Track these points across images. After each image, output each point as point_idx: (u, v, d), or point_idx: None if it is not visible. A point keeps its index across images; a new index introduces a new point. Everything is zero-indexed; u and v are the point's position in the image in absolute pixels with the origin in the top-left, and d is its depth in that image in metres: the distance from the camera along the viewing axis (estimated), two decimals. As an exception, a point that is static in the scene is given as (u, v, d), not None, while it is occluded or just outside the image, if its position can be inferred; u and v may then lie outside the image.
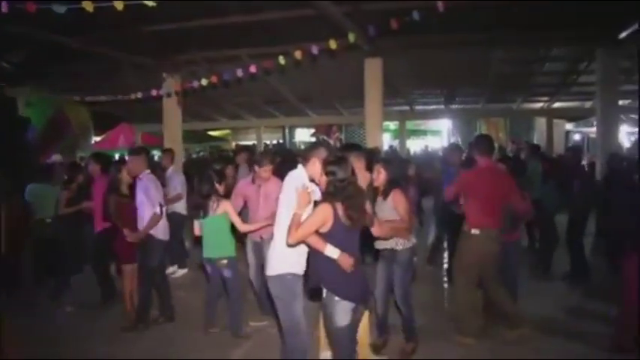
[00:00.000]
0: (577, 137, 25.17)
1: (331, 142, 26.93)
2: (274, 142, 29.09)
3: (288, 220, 4.12)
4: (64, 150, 16.30)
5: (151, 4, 5.73)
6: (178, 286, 8.18)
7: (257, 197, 6.37)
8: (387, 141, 24.13)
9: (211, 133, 27.55)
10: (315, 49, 8.66)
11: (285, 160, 8.23)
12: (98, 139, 22.65)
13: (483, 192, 5.68)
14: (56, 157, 7.91)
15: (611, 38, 10.40)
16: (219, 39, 11.78)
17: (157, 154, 17.09)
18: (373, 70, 11.49)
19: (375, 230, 4.69)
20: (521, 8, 9.59)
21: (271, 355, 5.25)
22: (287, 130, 29.61)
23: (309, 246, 4.14)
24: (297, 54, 8.76)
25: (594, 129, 15.19)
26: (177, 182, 9.01)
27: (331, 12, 8.31)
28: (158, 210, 6.27)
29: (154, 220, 6.22)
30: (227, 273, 6.03)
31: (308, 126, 28.60)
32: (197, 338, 6.14)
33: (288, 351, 4.43)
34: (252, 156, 9.69)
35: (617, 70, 11.33)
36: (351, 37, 8.60)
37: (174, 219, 8.73)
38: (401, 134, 23.02)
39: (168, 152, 9.68)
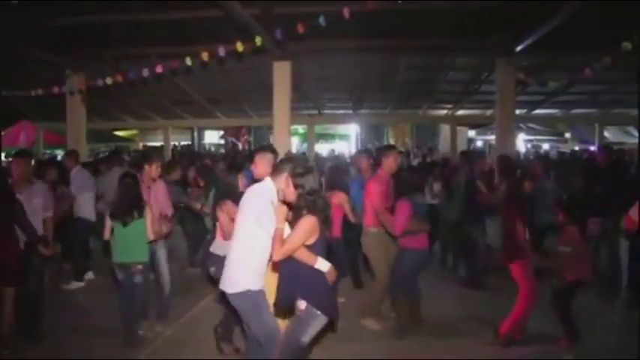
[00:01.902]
0: (479, 143, 26.31)
1: (239, 144, 26.90)
2: (183, 143, 28.70)
3: (255, 234, 4.15)
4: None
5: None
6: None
7: (148, 198, 6.29)
8: (295, 144, 24.32)
9: (118, 133, 26.84)
10: (222, 51, 8.65)
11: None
12: (-4, 136, 21.65)
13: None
14: None
15: (509, 51, 10.91)
16: (127, 37, 11.53)
17: (60, 153, 16.47)
18: (281, 73, 11.56)
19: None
20: (427, 16, 9.96)
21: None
22: (196, 132, 29.27)
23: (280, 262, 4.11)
24: (204, 55, 8.70)
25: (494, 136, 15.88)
26: (82, 181, 8.66)
27: (239, 14, 8.32)
28: None
29: None
30: (138, 279, 5.93)
31: (217, 128, 28.40)
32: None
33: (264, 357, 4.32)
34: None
35: (514, 81, 11.89)
36: (258, 41, 8.63)
37: (80, 225, 8.52)
38: (309, 138, 23.22)
39: (71, 155, 9.26)
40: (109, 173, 9.29)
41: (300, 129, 26.16)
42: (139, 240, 5.89)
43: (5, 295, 5.68)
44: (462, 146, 22.73)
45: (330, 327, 4.79)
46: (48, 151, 21.90)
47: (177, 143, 27.29)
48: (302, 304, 4.09)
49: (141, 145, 27.53)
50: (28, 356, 5.76)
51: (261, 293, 4.30)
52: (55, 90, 10.83)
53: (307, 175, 4.29)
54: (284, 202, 4.25)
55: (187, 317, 6.91)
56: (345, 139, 29.58)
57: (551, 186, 9.38)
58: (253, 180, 4.98)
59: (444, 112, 20.84)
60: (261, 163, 4.97)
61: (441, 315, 6.85)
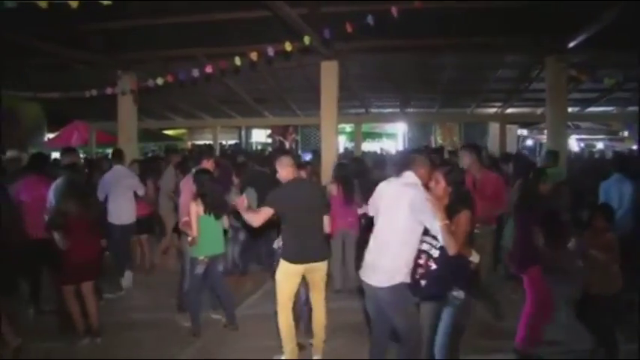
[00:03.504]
0: (529, 142, 25.81)
1: (287, 143, 27.01)
2: (231, 142, 28.96)
3: (410, 228, 4.31)
4: (14, 146, 15.95)
5: (106, 3, 5.69)
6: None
7: None
8: (342, 143, 24.30)
9: (167, 132, 27.27)
10: (271, 51, 8.70)
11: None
12: (52, 136, 22.29)
13: None
14: (12, 154, 7.79)
15: (560, 47, 10.67)
16: (175, 38, 11.70)
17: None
18: (329, 72, 11.57)
19: (328, 227, 5.42)
20: (474, 14, 9.81)
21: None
22: (243, 131, 29.51)
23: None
24: (253, 55, 8.76)
25: (545, 135, 15.53)
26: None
27: (287, 14, 8.35)
28: None
29: None
30: (221, 267, 6.59)
31: (264, 127, 28.56)
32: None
33: (406, 353, 4.48)
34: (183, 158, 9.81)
35: (566, 79, 11.62)
36: (307, 40, 8.65)
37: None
38: (356, 137, 23.17)
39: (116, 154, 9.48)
40: (166, 171, 9.54)
41: (348, 128, 26.12)
42: (221, 232, 6.51)
43: (86, 288, 6.07)
44: (511, 145, 22.35)
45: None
46: (100, 150, 22.41)
47: (224, 142, 27.54)
48: (460, 294, 4.40)
49: (189, 143, 27.88)
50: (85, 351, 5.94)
51: (406, 286, 4.42)
52: (108, 91, 11.09)
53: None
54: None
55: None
56: (392, 138, 29.40)
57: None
58: None
59: (493, 110, 20.50)
60: (281, 167, 5.43)
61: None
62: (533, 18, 9.79)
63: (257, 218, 5.29)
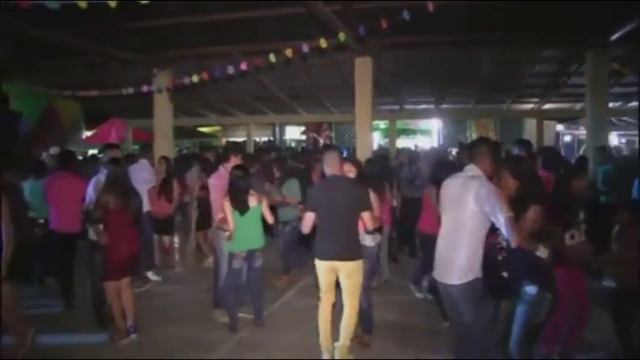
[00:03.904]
0: (567, 138, 25.33)
1: (321, 140, 27.00)
2: (264, 139, 29.07)
3: (482, 223, 4.26)
4: (55, 144, 16.23)
5: (144, 2, 5.75)
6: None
7: None
8: (377, 140, 24.21)
9: (201, 129, 27.49)
10: (305, 48, 8.68)
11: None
12: (89, 133, 22.63)
13: None
14: (54, 151, 7.97)
15: (601, 40, 10.44)
16: (210, 35, 11.77)
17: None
18: (363, 69, 11.50)
19: (371, 223, 5.30)
20: (511, 8, 9.65)
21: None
22: (277, 128, 29.59)
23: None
24: (288, 52, 8.76)
25: (584, 131, 15.23)
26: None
27: (321, 11, 8.31)
28: None
29: None
30: (260, 262, 6.54)
31: (298, 124, 28.60)
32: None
33: (475, 351, 4.43)
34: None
35: (607, 73, 11.37)
36: (341, 37, 8.62)
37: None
38: (391, 133, 23.06)
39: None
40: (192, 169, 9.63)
41: (382, 124, 26.01)
42: (259, 227, 6.50)
43: (124, 283, 6.08)
44: (548, 141, 21.97)
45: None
46: (136, 147, 22.70)
47: (258, 139, 27.65)
48: (532, 289, 4.45)
49: (224, 140, 28.07)
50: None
51: (480, 282, 4.36)
52: (144, 89, 11.23)
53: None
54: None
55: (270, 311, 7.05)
56: (427, 135, 29.21)
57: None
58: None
59: (530, 106, 20.19)
60: (327, 163, 5.46)
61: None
62: (573, 11, 9.58)
63: (305, 226, 5.48)
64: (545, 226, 4.61)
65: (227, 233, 6.33)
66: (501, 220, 4.07)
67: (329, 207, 5.28)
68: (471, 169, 4.45)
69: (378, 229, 5.91)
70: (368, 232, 5.64)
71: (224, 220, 6.33)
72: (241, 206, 6.29)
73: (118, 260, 5.94)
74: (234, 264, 6.38)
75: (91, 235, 6.51)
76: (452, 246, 4.39)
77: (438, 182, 7.00)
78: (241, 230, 6.28)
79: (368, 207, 5.28)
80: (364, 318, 5.84)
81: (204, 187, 8.69)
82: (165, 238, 9.45)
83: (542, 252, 4.25)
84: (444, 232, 4.54)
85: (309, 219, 5.40)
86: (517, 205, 4.27)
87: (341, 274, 5.34)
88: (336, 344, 5.44)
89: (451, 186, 4.55)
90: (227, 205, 6.25)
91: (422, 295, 7.38)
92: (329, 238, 5.30)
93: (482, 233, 4.30)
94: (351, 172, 5.67)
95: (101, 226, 6.11)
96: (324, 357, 5.44)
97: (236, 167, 6.52)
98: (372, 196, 5.54)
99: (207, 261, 9.47)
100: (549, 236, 4.57)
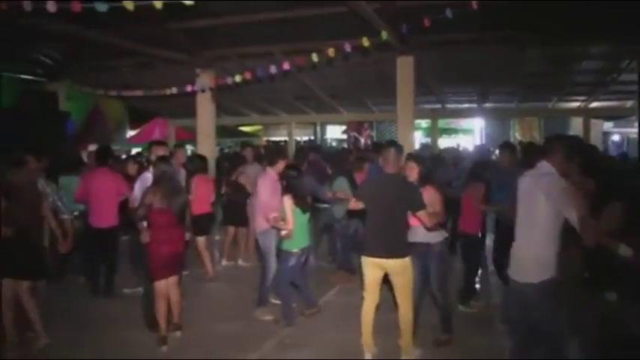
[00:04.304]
0: (616, 137, 24.73)
1: (362, 139, 26.94)
2: (305, 138, 29.13)
3: (556, 219, 4.13)
4: (99, 143, 16.57)
5: (188, 3, 5.83)
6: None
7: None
8: (418, 139, 24.02)
9: (243, 128, 27.70)
10: (347, 47, 8.68)
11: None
12: (133, 132, 23.02)
13: None
14: (92, 148, 8.05)
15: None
16: (252, 35, 11.88)
17: (190, 148, 17.19)
18: (405, 67, 11.45)
19: (427, 222, 5.28)
20: (557, 4, 9.46)
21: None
22: (318, 127, 29.63)
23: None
24: (330, 51, 8.77)
25: (635, 129, 14.82)
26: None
27: (363, 9, 8.29)
28: None
29: None
30: (311, 259, 6.86)
31: (339, 123, 28.57)
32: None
33: (548, 352, 4.32)
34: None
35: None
36: (384, 35, 8.60)
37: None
38: (433, 132, 22.86)
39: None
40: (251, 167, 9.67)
41: (424, 123, 25.79)
42: (308, 225, 6.71)
43: (171, 281, 6.09)
44: (596, 140, 21.48)
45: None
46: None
47: (299, 138, 27.72)
48: (612, 295, 4.44)
49: (264, 140, 28.23)
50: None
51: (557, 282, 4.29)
52: (188, 88, 11.38)
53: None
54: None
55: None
56: (469, 134, 28.88)
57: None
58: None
59: (576, 104, 19.77)
60: (383, 160, 5.50)
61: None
62: (624, 7, 9.32)
63: (351, 205, 5.81)
64: (630, 223, 4.43)
65: (284, 232, 6.37)
66: (574, 218, 3.96)
67: (378, 204, 5.32)
68: (544, 166, 4.33)
69: (442, 225, 5.83)
70: (429, 230, 5.56)
71: (278, 219, 6.36)
72: (304, 205, 6.44)
73: (160, 259, 5.90)
74: (290, 261, 6.45)
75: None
76: (526, 244, 4.32)
77: (478, 180, 6.98)
78: (299, 229, 6.39)
79: (421, 206, 5.24)
80: (441, 317, 5.89)
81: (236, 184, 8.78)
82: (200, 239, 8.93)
83: (625, 250, 4.04)
84: (518, 230, 4.45)
85: (355, 204, 5.61)
86: (596, 202, 4.15)
87: (389, 272, 5.35)
88: (400, 342, 5.45)
89: (524, 183, 4.46)
90: (288, 204, 6.31)
91: (472, 309, 7.17)
92: (376, 235, 5.32)
93: (555, 231, 4.19)
94: (414, 170, 5.65)
95: (145, 224, 6.21)
96: (366, 357, 5.44)
97: (290, 167, 6.64)
98: (432, 193, 5.58)
99: (242, 259, 9.67)
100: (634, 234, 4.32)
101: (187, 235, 6.50)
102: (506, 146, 7.88)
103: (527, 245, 4.30)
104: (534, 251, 4.23)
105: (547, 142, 4.59)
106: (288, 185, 6.42)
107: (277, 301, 6.91)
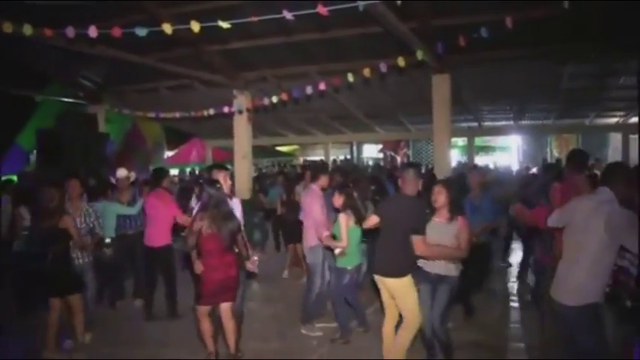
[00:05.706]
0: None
1: (398, 158, 26.89)
2: (342, 157, 29.20)
3: (603, 247, 4.03)
4: (138, 165, 16.86)
5: (225, 25, 5.95)
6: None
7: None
8: (455, 157, 23.90)
9: (279, 148, 27.90)
10: (383, 67, 8.71)
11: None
12: (171, 153, 23.35)
13: None
14: (121, 173, 8.07)
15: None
16: (288, 56, 12.03)
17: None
18: (441, 86, 11.44)
19: (421, 249, 5.07)
20: (593, 20, 9.38)
21: None
22: (355, 146, 29.68)
23: None
24: (366, 71, 8.82)
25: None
26: None
27: (399, 29, 8.35)
28: None
29: None
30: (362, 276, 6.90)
31: (375, 142, 28.59)
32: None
33: None
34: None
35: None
36: (419, 55, 8.61)
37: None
38: (469, 150, 22.73)
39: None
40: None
41: (460, 141, 25.69)
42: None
43: (224, 310, 5.87)
44: (635, 157, 21.07)
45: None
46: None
47: (336, 157, 27.80)
48: None
49: (301, 159, 28.37)
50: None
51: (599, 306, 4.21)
52: (225, 109, 11.56)
53: None
54: None
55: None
56: (506, 151, 28.63)
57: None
58: None
59: (615, 120, 19.48)
60: (410, 182, 5.39)
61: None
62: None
63: (366, 224, 5.78)
64: None
65: (338, 250, 6.37)
66: (636, 250, 3.86)
67: (388, 222, 5.35)
68: (604, 192, 4.18)
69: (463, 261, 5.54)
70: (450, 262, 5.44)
71: (329, 238, 6.42)
72: (362, 222, 6.29)
73: (210, 287, 5.73)
74: (345, 279, 6.45)
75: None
76: (571, 266, 4.22)
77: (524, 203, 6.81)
78: (353, 246, 6.40)
79: (418, 230, 5.11)
80: (441, 349, 5.57)
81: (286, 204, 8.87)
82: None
83: None
84: (565, 252, 4.35)
85: (372, 220, 5.59)
86: None
87: (386, 287, 5.36)
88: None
89: (581, 207, 4.31)
90: (344, 221, 6.30)
91: None
92: (379, 253, 5.40)
93: (609, 260, 4.09)
94: (441, 194, 5.41)
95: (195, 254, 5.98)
96: None
97: (343, 185, 6.68)
98: (461, 225, 5.34)
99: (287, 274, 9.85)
100: None
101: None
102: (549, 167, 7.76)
103: (572, 268, 4.20)
104: (579, 274, 4.13)
105: (609, 169, 4.47)
106: (347, 204, 6.39)
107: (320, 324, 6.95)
